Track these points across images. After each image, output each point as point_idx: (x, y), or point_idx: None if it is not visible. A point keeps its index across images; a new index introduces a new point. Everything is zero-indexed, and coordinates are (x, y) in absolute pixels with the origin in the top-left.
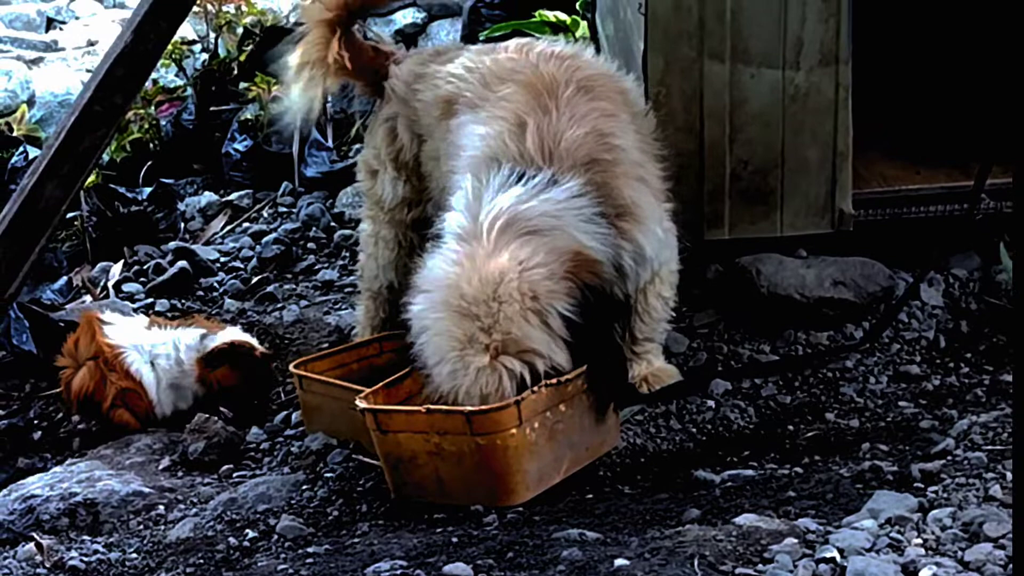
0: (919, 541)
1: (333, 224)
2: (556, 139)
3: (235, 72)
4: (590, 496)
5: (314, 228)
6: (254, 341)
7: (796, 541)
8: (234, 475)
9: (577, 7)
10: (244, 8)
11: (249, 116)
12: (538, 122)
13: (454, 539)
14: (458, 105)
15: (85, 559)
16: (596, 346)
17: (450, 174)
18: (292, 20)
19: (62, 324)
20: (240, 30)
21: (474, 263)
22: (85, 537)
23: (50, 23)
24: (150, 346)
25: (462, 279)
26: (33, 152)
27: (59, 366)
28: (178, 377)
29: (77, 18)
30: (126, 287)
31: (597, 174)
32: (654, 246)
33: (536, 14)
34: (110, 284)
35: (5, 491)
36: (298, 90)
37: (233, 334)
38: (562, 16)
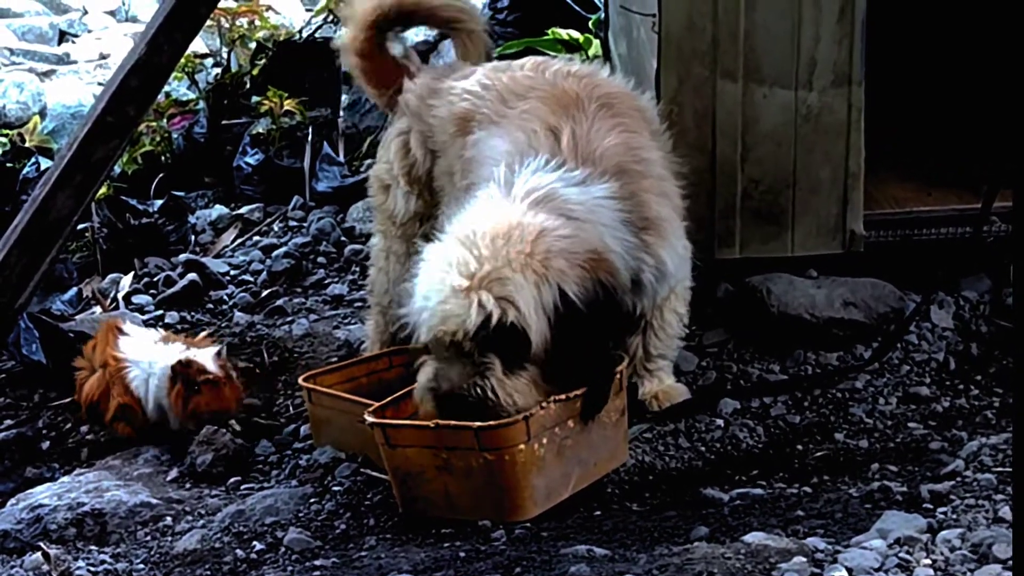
0: (928, 562)
1: (343, 239)
2: (590, 145)
3: (247, 86)
4: (598, 512)
5: (324, 242)
6: (211, 363)
7: (805, 560)
8: (242, 487)
9: (590, 25)
10: (257, 23)
11: (261, 130)
12: (572, 128)
13: (462, 554)
14: (475, 122)
15: (92, 569)
16: (587, 345)
17: (468, 187)
18: (305, 35)
19: (72, 335)
20: (253, 44)
21: (502, 208)
22: (92, 547)
23: (63, 36)
24: (150, 362)
25: (480, 217)
26: (45, 163)
27: (77, 367)
28: (159, 396)
29: (89, 31)
30: (136, 299)
31: (627, 185)
32: (675, 262)
33: (549, 32)
34: (120, 296)
35: (13, 500)
36: None
37: (198, 354)
38: (575, 34)
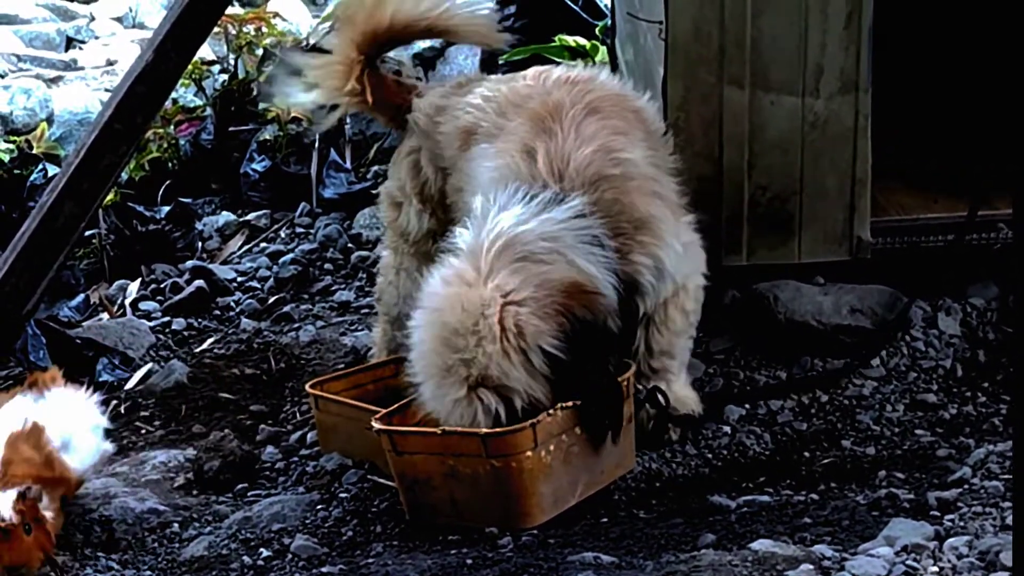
0: (935, 569)
1: (350, 245)
2: (564, 160)
3: (254, 93)
4: (605, 520)
5: (331, 249)
6: (5, 509)
7: (812, 567)
8: (249, 494)
9: (597, 32)
10: (264, 29)
11: (268, 136)
12: (546, 146)
13: (468, 561)
14: (476, 135)
15: None
16: (586, 379)
17: (466, 203)
18: (311, 42)
19: (79, 341)
20: (260, 51)
21: (462, 287)
22: (100, 554)
23: (70, 42)
24: None
25: (447, 305)
26: (52, 170)
27: None
28: None
29: (97, 38)
30: (143, 305)
31: (607, 191)
32: (672, 260)
33: (556, 39)
34: (127, 302)
35: None
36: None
37: None
38: (582, 41)
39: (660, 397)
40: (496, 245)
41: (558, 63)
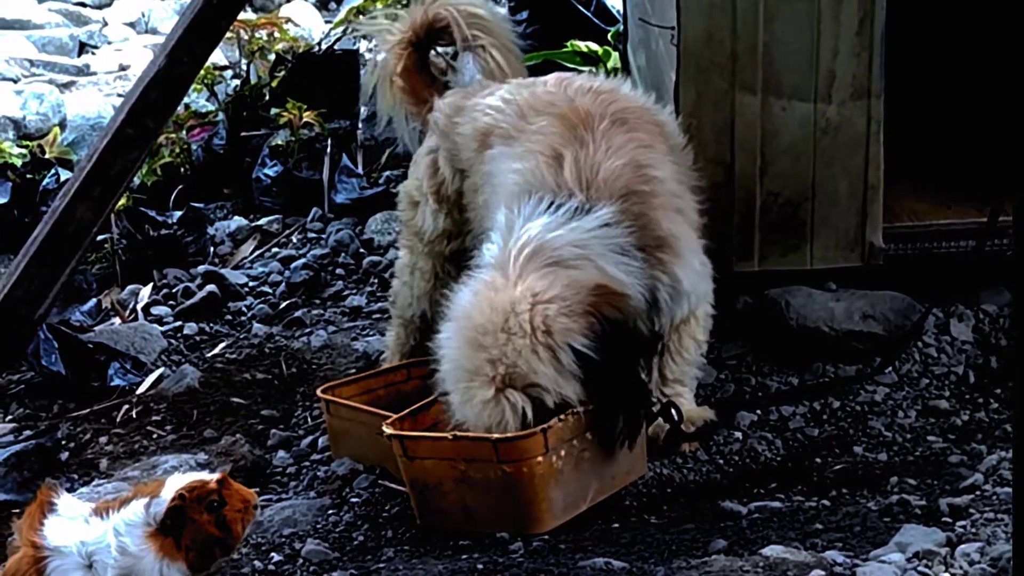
0: None
1: (362, 250)
2: (594, 170)
3: (266, 98)
4: (616, 525)
5: (343, 254)
6: (204, 474)
7: (823, 573)
8: (260, 499)
9: (608, 38)
10: (276, 35)
11: (280, 142)
12: (575, 154)
13: (479, 566)
14: (494, 137)
15: None
16: (615, 380)
17: (486, 206)
18: (324, 47)
19: (91, 346)
20: (272, 56)
21: (491, 293)
22: None
23: (83, 47)
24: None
25: (475, 308)
26: (65, 174)
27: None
28: (129, 566)
29: (109, 43)
30: (155, 310)
31: (635, 205)
32: (691, 280)
33: (568, 44)
34: (139, 307)
35: None
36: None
37: (177, 482)
38: (594, 47)
39: (673, 411)
40: (524, 252)
41: (570, 68)
